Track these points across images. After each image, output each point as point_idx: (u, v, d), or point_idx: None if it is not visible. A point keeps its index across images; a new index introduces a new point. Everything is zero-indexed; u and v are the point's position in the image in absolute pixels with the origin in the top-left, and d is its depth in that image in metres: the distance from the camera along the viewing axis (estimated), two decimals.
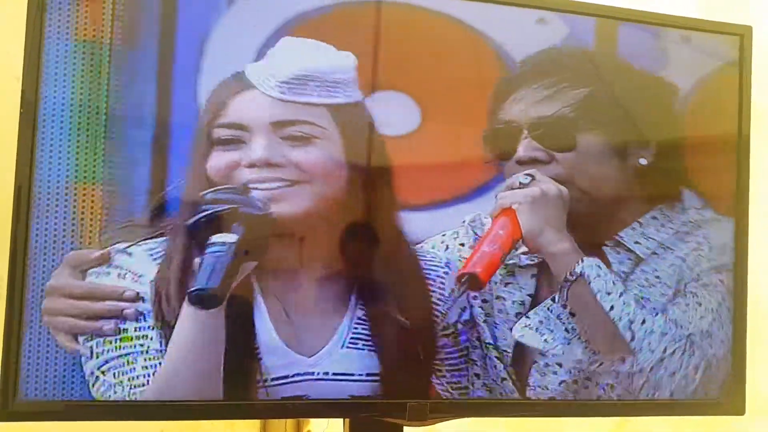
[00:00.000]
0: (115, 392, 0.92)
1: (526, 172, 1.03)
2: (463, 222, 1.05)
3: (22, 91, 0.92)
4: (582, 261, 1.03)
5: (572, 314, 1.05)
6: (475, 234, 1.04)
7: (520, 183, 1.02)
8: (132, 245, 0.93)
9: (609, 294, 1.03)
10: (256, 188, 0.94)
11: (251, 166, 0.94)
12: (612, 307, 1.03)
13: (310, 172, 0.95)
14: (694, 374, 1.07)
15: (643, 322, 1.04)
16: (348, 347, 0.99)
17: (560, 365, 1.06)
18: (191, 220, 0.91)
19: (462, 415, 1.13)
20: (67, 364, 0.93)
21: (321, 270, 0.99)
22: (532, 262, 1.06)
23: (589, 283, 1.03)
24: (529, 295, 1.06)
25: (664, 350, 1.05)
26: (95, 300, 0.92)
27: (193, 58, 0.96)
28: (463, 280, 1.00)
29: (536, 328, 1.05)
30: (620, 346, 1.04)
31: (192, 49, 0.96)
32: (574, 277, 1.03)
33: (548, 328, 1.05)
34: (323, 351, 0.98)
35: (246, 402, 0.99)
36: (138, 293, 0.92)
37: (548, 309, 1.05)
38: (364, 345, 1.00)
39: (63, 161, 0.93)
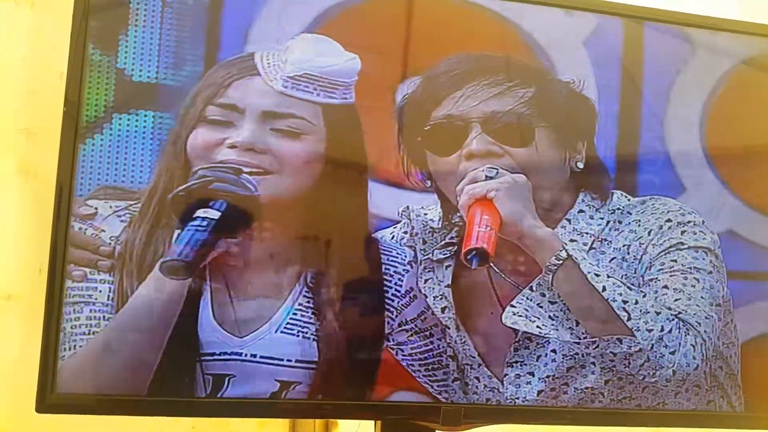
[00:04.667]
0: None
1: (489, 165, 1.04)
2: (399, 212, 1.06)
3: (66, 90, 0.97)
4: (567, 244, 1.04)
5: (552, 302, 1.04)
6: (409, 219, 1.05)
7: (487, 176, 1.03)
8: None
9: (598, 275, 1.03)
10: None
11: (233, 146, 0.98)
12: (604, 288, 1.02)
13: (286, 165, 0.99)
14: (693, 351, 1.04)
15: (636, 302, 1.03)
16: (282, 332, 1.00)
17: (532, 374, 1.05)
18: (171, 194, 0.97)
19: (496, 422, 1.12)
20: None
21: (269, 256, 1.01)
22: (444, 256, 1.06)
23: (578, 264, 1.02)
24: (447, 286, 1.05)
25: (662, 328, 1.03)
26: (73, 247, 0.96)
27: (238, 45, 1.02)
28: (469, 256, 1.00)
29: (525, 316, 1.05)
30: (617, 326, 1.03)
31: (237, 35, 1.02)
32: (561, 261, 1.02)
33: (534, 317, 1.04)
34: (254, 333, 1.00)
35: (276, 401, 1.00)
36: (113, 250, 0.97)
37: (528, 299, 1.05)
38: (299, 332, 1.01)
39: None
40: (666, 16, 1.15)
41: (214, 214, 0.95)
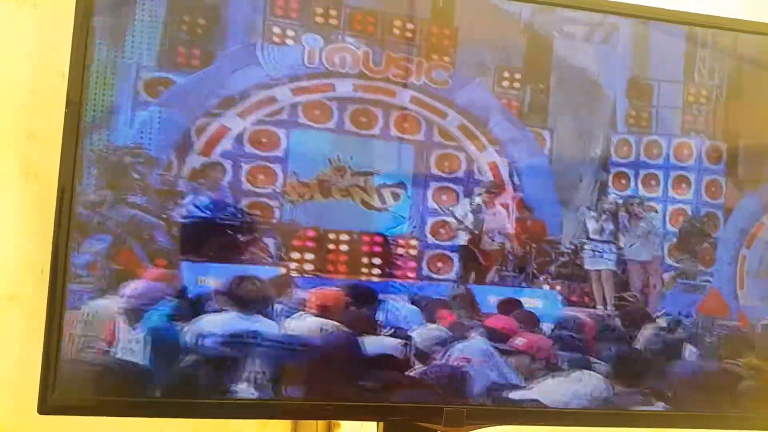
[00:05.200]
0: None
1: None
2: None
3: (68, 92, 0.97)
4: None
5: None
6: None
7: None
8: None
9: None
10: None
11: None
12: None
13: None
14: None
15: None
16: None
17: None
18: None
19: (498, 423, 1.11)
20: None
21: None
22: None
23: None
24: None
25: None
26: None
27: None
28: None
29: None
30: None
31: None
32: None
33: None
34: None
35: (279, 401, 1.00)
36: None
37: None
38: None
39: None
40: (671, 16, 1.17)
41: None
